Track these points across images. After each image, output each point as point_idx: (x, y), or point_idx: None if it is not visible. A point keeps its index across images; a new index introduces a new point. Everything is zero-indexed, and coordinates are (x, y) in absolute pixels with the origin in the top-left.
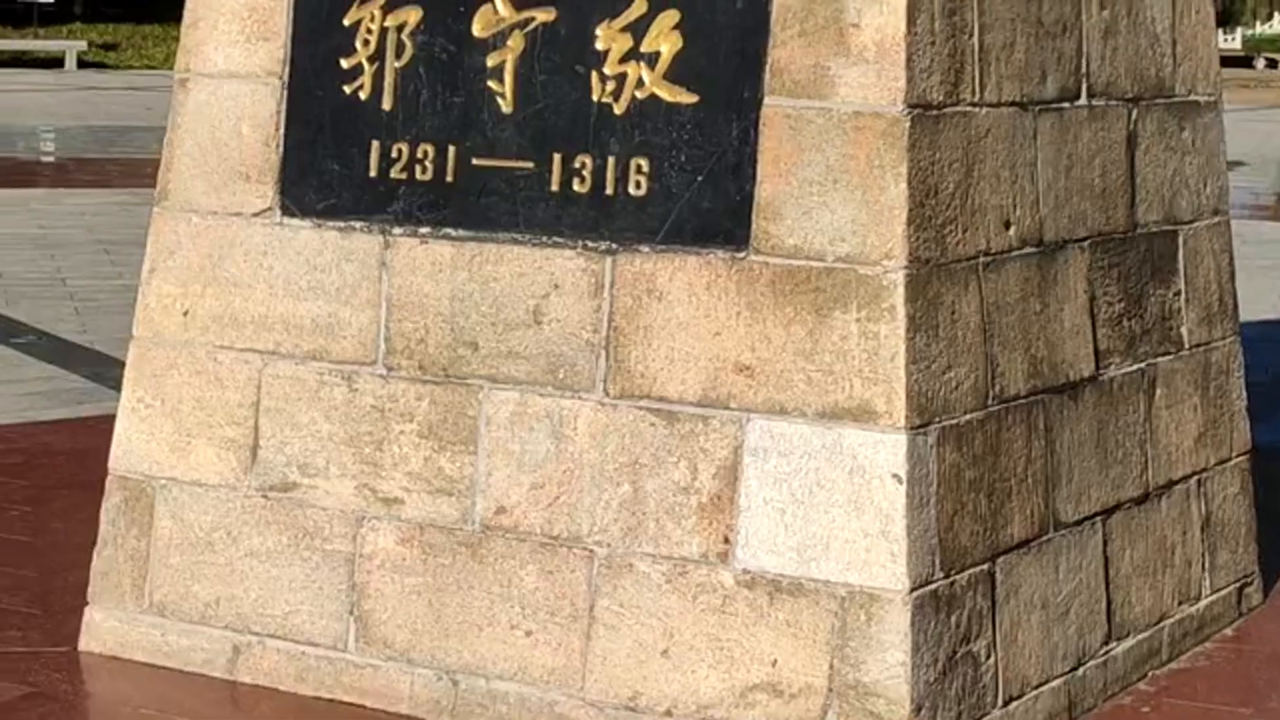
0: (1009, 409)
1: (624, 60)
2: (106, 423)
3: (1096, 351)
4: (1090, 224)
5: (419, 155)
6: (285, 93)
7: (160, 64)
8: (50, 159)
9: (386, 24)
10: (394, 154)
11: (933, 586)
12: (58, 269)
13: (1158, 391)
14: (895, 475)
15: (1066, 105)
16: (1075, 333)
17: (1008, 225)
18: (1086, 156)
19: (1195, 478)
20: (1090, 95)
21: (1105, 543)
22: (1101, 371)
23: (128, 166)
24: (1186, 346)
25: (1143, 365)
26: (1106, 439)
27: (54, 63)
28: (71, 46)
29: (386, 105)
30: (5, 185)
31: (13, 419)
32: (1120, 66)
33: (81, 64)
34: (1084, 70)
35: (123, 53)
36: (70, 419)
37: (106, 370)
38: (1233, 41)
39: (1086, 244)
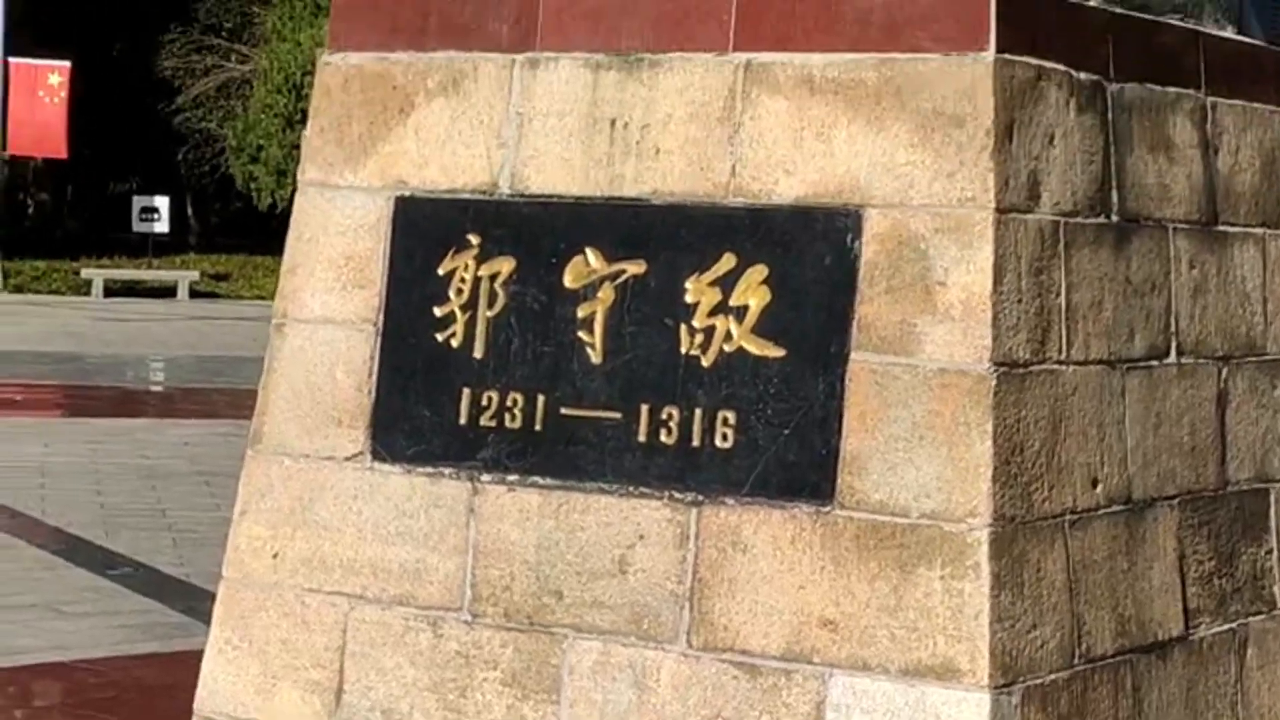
0: (1096, 668)
1: (713, 313)
2: (198, 658)
3: (1186, 610)
4: (1180, 482)
5: (509, 403)
6: (379, 339)
7: (270, 295)
8: (158, 388)
9: (480, 273)
10: (484, 402)
11: None
12: (158, 499)
13: (1249, 652)
14: None
15: (1155, 363)
16: (1164, 591)
17: (1095, 483)
18: (1175, 414)
19: None
20: (1180, 353)
21: None
22: (1191, 631)
23: (233, 397)
24: (1279, 606)
25: (1234, 625)
26: (1196, 700)
27: (167, 292)
28: (184, 276)
29: (478, 353)
30: (112, 415)
31: (106, 652)
32: (1210, 324)
33: (194, 293)
34: (1173, 328)
35: (234, 283)
36: (162, 653)
37: (200, 605)
38: None
39: (1176, 502)
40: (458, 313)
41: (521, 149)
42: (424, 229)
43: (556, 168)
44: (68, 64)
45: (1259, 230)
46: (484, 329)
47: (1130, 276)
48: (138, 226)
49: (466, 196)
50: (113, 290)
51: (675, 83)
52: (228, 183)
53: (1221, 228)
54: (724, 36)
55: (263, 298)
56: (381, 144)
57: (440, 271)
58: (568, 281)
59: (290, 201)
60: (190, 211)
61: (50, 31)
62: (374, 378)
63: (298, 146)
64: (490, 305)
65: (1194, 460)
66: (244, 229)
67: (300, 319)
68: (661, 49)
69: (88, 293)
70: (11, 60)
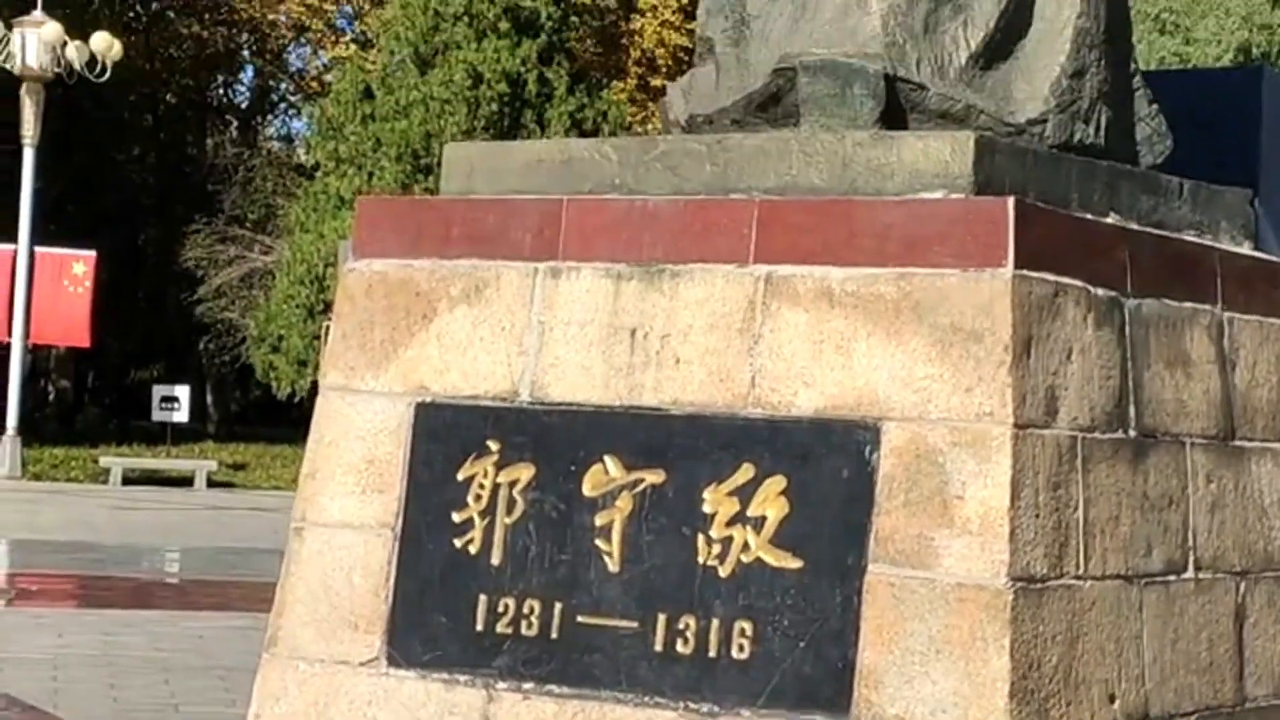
0: None
1: (730, 523)
2: None
3: None
4: (1197, 698)
5: (525, 610)
6: (397, 544)
7: (287, 485)
8: (173, 580)
9: (499, 480)
10: (501, 608)
11: None
12: (172, 694)
13: None
14: None
15: (1173, 578)
16: None
17: (1112, 699)
18: (1193, 630)
19: None
20: (1197, 568)
21: None
22: None
23: (248, 590)
24: None
25: None
26: None
27: (184, 481)
28: (202, 466)
29: (495, 560)
30: (127, 606)
31: None
32: (1228, 539)
33: (211, 483)
34: (1190, 543)
35: (251, 472)
36: None
37: None
38: None
39: (1193, 718)
40: (476, 519)
41: (542, 357)
42: (444, 435)
43: (577, 376)
44: (93, 254)
45: (1277, 445)
46: (502, 535)
47: (1148, 491)
48: (157, 415)
49: (487, 403)
50: (130, 479)
51: (696, 293)
52: (248, 372)
53: (1239, 443)
54: (744, 249)
55: (279, 488)
56: (403, 349)
57: (460, 477)
58: (586, 489)
59: (310, 391)
60: (210, 400)
61: (76, 221)
62: (391, 583)
63: (318, 337)
64: (509, 512)
65: (1212, 676)
66: (263, 418)
67: (319, 523)
68: (682, 260)
69: (106, 481)
70: (38, 249)
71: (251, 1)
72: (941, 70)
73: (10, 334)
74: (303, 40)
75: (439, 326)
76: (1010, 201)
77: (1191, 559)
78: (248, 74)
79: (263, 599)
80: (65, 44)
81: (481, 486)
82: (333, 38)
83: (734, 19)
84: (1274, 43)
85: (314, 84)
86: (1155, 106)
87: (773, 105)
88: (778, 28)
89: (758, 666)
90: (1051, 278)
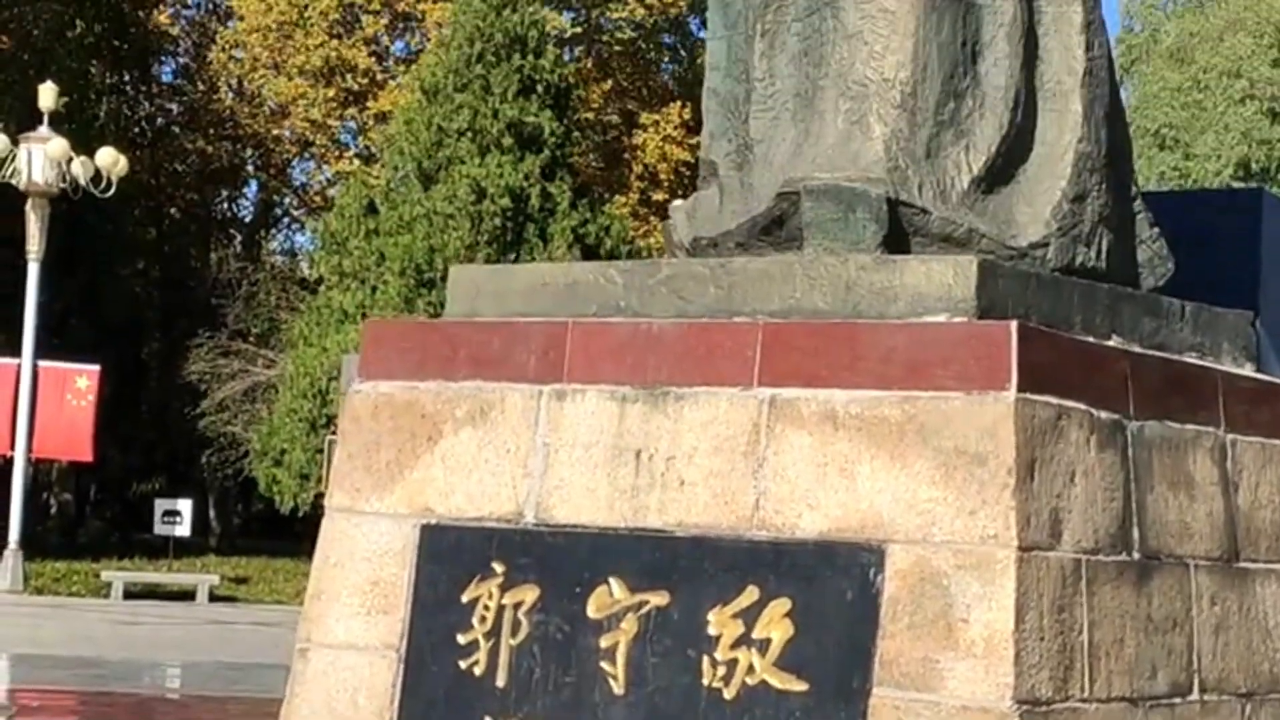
0: None
1: (735, 646)
2: None
3: None
4: None
5: None
6: (402, 665)
7: (290, 599)
8: (175, 695)
9: (504, 601)
10: None
11: None
12: None
13: None
14: None
15: (1178, 700)
16: None
17: None
18: None
19: None
20: (1202, 690)
21: None
22: None
23: (250, 706)
24: None
25: None
26: None
27: (186, 595)
28: (204, 580)
29: (500, 682)
30: None
31: None
32: (1232, 661)
33: (213, 597)
34: (1195, 665)
35: (254, 586)
36: None
37: None
38: None
39: None
40: (481, 641)
41: (547, 478)
42: (449, 556)
43: (582, 498)
44: (96, 368)
45: None
46: (507, 657)
47: (1152, 614)
48: (160, 529)
49: (492, 525)
50: (132, 593)
51: (700, 416)
52: (250, 485)
53: (1242, 564)
54: (748, 372)
55: (282, 602)
56: (409, 471)
57: (464, 599)
58: (591, 611)
59: (313, 505)
60: (212, 513)
61: (80, 335)
62: (396, 704)
63: (321, 451)
64: (514, 634)
65: None
66: (265, 531)
67: (324, 643)
68: (687, 382)
69: (107, 595)
70: (41, 364)
71: (256, 117)
72: (944, 194)
73: (13, 448)
74: (306, 155)
75: (444, 448)
76: (1013, 325)
77: (1196, 681)
78: (251, 189)
79: (265, 715)
80: (70, 160)
81: (486, 608)
82: (336, 153)
83: (737, 143)
84: (1273, 158)
85: (317, 199)
86: (1156, 229)
87: (776, 229)
88: (781, 152)
89: None
90: (1054, 400)
